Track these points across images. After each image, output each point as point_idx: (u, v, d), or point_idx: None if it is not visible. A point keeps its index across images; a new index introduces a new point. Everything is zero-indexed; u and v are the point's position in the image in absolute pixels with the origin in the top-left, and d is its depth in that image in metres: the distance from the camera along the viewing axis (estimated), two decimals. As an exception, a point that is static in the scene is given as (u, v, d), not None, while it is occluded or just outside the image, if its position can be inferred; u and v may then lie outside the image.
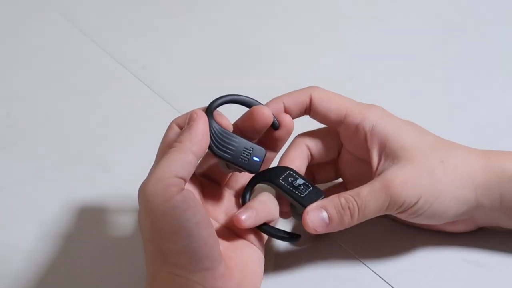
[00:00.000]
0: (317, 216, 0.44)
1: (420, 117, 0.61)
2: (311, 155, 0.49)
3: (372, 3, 0.77)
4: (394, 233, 0.50)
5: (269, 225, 0.45)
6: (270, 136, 0.47)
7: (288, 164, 0.48)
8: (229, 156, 0.44)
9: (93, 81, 0.68)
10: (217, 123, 0.44)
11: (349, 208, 0.44)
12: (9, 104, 0.66)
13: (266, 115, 0.45)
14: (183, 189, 0.40)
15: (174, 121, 0.45)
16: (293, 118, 0.47)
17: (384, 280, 0.47)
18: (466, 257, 0.48)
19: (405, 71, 0.67)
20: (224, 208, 0.47)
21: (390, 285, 0.46)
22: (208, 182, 0.47)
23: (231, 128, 0.45)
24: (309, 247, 0.49)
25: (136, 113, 0.64)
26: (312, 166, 0.50)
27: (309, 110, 0.48)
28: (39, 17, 0.78)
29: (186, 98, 0.65)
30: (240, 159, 0.44)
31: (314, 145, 0.49)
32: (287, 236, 0.46)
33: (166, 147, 0.43)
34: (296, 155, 0.48)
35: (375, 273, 0.47)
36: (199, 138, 0.42)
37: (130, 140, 0.60)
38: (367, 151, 0.46)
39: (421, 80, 0.66)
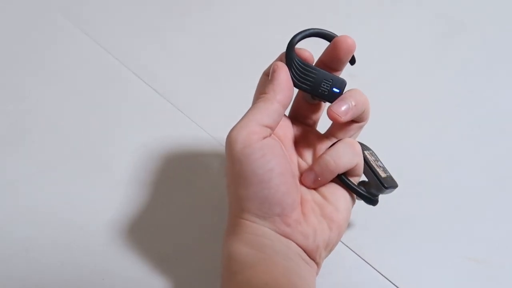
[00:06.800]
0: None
1: (421, 116, 0.61)
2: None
3: (372, 2, 0.78)
4: (397, 231, 0.50)
5: (348, 178, 0.46)
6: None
7: None
8: (308, 88, 0.45)
9: (95, 80, 0.68)
10: (298, 56, 0.45)
11: None
12: (9, 103, 0.66)
13: (350, 43, 0.46)
14: (266, 137, 0.42)
15: (264, 73, 0.47)
16: None
17: (386, 278, 0.47)
18: (468, 254, 0.48)
19: (406, 70, 0.67)
20: (317, 150, 0.48)
21: (393, 284, 0.46)
22: (301, 125, 0.49)
23: (312, 60, 0.46)
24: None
25: (138, 112, 0.64)
26: None
27: None
28: (40, 17, 0.78)
29: (188, 97, 0.65)
30: (320, 90, 0.45)
31: None
32: (366, 194, 0.46)
33: (257, 96, 0.45)
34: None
35: (377, 271, 0.47)
36: (282, 87, 0.44)
37: (131, 139, 0.60)
38: None
39: (421, 79, 0.66)
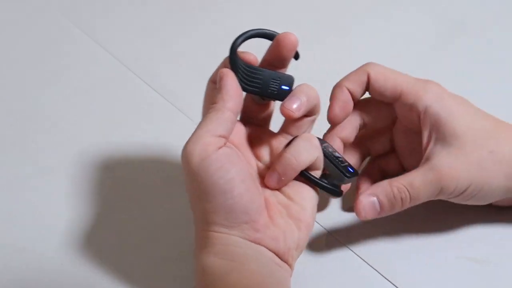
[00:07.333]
0: (369, 204, 0.46)
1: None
2: (364, 123, 0.50)
3: (372, 2, 0.78)
4: (396, 231, 0.50)
5: (310, 173, 0.46)
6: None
7: (338, 132, 0.49)
8: (258, 90, 0.45)
9: (95, 80, 0.68)
10: (242, 60, 0.45)
11: (401, 198, 0.46)
12: (9, 103, 0.66)
13: (292, 39, 0.45)
14: (221, 146, 0.42)
15: (210, 80, 0.47)
16: (358, 98, 0.49)
17: (386, 278, 0.47)
18: (467, 254, 0.47)
19: (406, 71, 0.67)
20: (274, 150, 0.48)
21: (392, 284, 0.46)
22: (254, 127, 0.49)
23: (256, 62, 0.46)
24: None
25: (137, 111, 0.64)
26: (367, 136, 0.52)
27: (367, 87, 0.49)
28: (40, 17, 0.77)
29: (188, 97, 0.65)
30: (269, 90, 0.45)
31: (368, 112, 0.50)
32: (330, 187, 0.46)
33: (207, 106, 0.45)
34: (347, 124, 0.49)
35: (377, 271, 0.47)
36: (230, 94, 0.43)
37: (131, 139, 0.60)
38: (420, 130, 0.47)
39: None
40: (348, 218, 0.51)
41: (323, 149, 0.46)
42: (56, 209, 0.54)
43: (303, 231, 0.44)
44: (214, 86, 0.45)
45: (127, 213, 0.53)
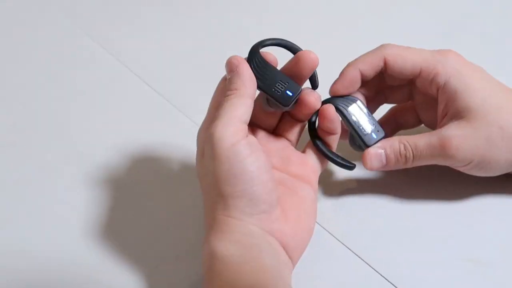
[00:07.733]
0: (377, 155, 0.49)
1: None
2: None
3: (372, 2, 0.78)
4: (396, 231, 0.50)
5: (328, 148, 0.49)
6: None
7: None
8: (262, 85, 0.45)
9: (95, 80, 0.68)
10: (261, 56, 0.46)
11: (405, 156, 0.48)
12: (9, 104, 0.66)
13: (313, 58, 0.47)
14: (247, 134, 0.43)
15: (224, 78, 0.47)
16: (367, 80, 0.49)
17: (385, 278, 0.47)
18: (467, 255, 0.48)
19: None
20: (277, 152, 0.49)
21: (392, 284, 0.46)
22: (258, 129, 0.50)
23: (275, 63, 0.47)
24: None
25: (138, 112, 0.64)
26: (396, 111, 0.53)
27: (384, 70, 0.49)
28: (41, 17, 0.78)
29: (188, 97, 0.65)
30: (273, 89, 0.46)
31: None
32: (343, 162, 0.49)
33: (218, 99, 0.45)
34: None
35: (375, 270, 0.47)
36: (250, 83, 0.44)
37: (131, 139, 0.60)
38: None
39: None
40: (348, 219, 0.51)
41: (348, 119, 0.49)
42: (56, 209, 0.54)
43: (308, 232, 0.46)
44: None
45: (127, 212, 0.53)
